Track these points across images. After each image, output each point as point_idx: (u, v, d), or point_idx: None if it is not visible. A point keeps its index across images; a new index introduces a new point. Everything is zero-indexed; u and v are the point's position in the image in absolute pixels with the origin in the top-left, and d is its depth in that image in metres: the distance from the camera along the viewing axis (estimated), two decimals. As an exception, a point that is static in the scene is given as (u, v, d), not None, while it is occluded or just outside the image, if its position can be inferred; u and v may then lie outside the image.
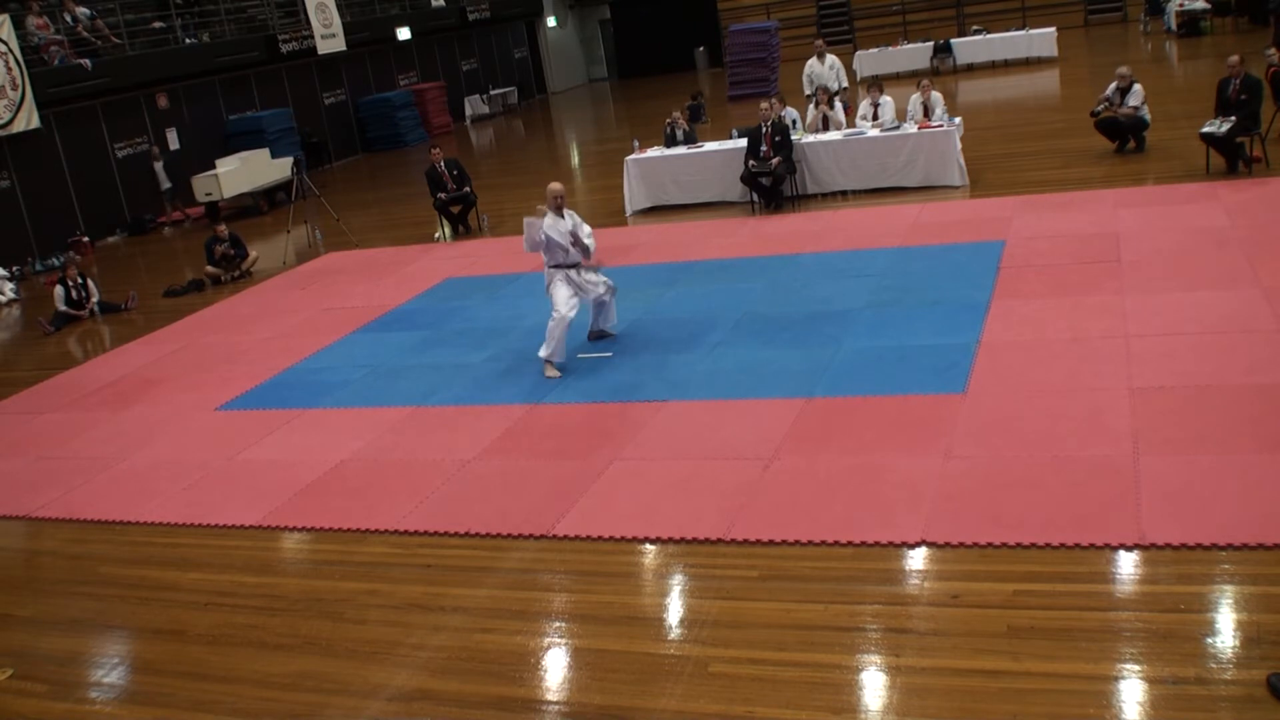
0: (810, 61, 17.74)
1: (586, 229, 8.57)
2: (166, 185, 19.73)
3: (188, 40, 21.46)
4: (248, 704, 4.86)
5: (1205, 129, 11.54)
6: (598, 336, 9.03)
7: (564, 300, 8.33)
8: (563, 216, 8.42)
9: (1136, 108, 12.87)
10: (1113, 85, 13.06)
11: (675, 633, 4.95)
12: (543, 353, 8.37)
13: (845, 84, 17.39)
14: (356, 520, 6.52)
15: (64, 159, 18.49)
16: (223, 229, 14.17)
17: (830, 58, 17.62)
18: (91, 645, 5.65)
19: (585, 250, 8.49)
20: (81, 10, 19.40)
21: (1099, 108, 13.24)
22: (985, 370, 7.28)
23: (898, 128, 13.36)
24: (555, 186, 8.48)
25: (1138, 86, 12.88)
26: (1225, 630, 4.40)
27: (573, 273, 8.47)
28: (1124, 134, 13.12)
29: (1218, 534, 4.98)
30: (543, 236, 8.26)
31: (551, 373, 8.35)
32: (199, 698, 4.97)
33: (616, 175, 14.84)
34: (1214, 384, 6.57)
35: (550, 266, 8.48)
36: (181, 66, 20.61)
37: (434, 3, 29.47)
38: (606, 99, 32.61)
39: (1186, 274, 8.59)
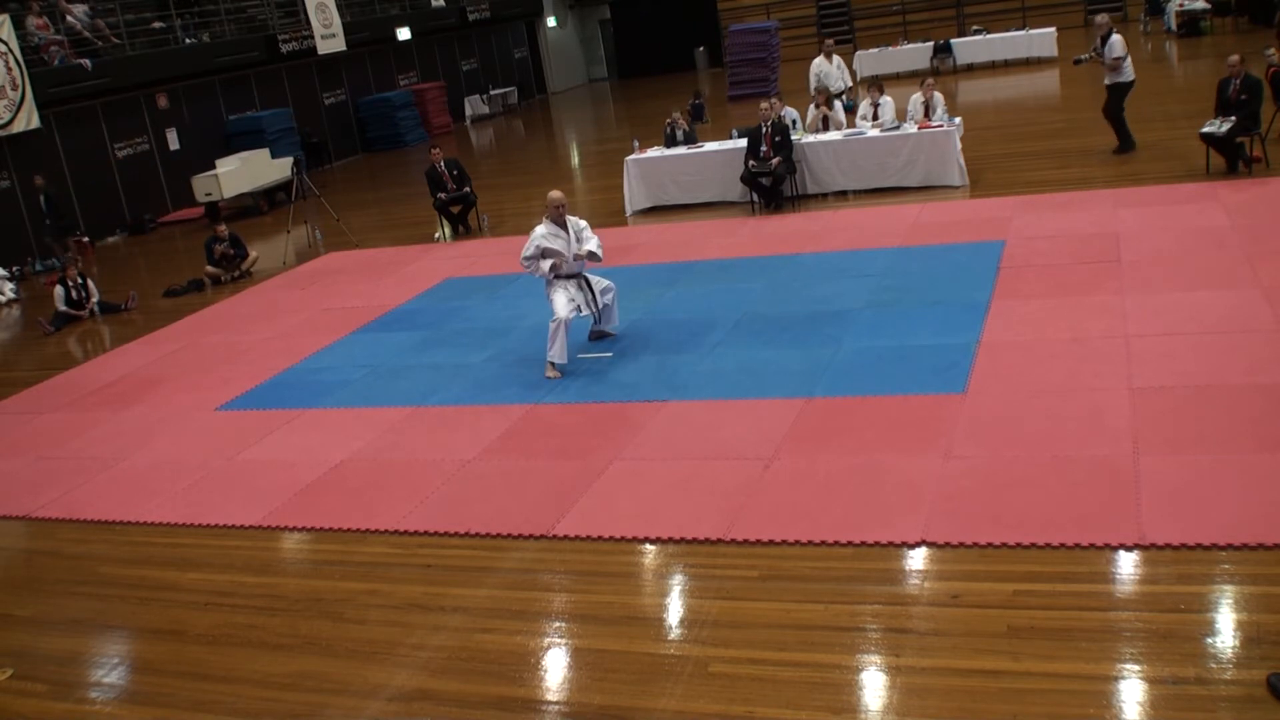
0: (818, 60, 17.75)
1: (589, 233, 8.50)
2: (47, 222, 16.68)
3: (188, 40, 21.46)
4: (248, 704, 4.86)
5: (1205, 129, 11.54)
6: (598, 337, 9.03)
7: (562, 305, 8.33)
8: (564, 226, 8.38)
9: (1120, 58, 12.85)
10: (1098, 39, 13.13)
11: (675, 633, 4.95)
12: (549, 354, 8.37)
13: (850, 84, 17.42)
14: (356, 520, 6.52)
15: (64, 159, 18.49)
16: (222, 229, 14.18)
17: (837, 58, 17.67)
18: (91, 645, 5.65)
19: (593, 256, 8.43)
20: (81, 9, 19.38)
21: (1084, 56, 13.50)
22: (985, 370, 7.28)
23: (898, 128, 13.36)
24: (555, 195, 8.42)
25: (1116, 37, 12.93)
26: (1225, 630, 4.40)
27: (571, 284, 8.45)
28: (1119, 133, 13.17)
29: (1218, 534, 4.98)
30: (541, 249, 8.22)
31: (552, 373, 8.35)
32: (199, 698, 4.97)
33: (616, 175, 14.83)
34: (1214, 384, 6.57)
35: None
36: (181, 66, 20.61)
37: (434, 3, 29.46)
38: (606, 99, 32.60)
39: (1186, 274, 8.59)
